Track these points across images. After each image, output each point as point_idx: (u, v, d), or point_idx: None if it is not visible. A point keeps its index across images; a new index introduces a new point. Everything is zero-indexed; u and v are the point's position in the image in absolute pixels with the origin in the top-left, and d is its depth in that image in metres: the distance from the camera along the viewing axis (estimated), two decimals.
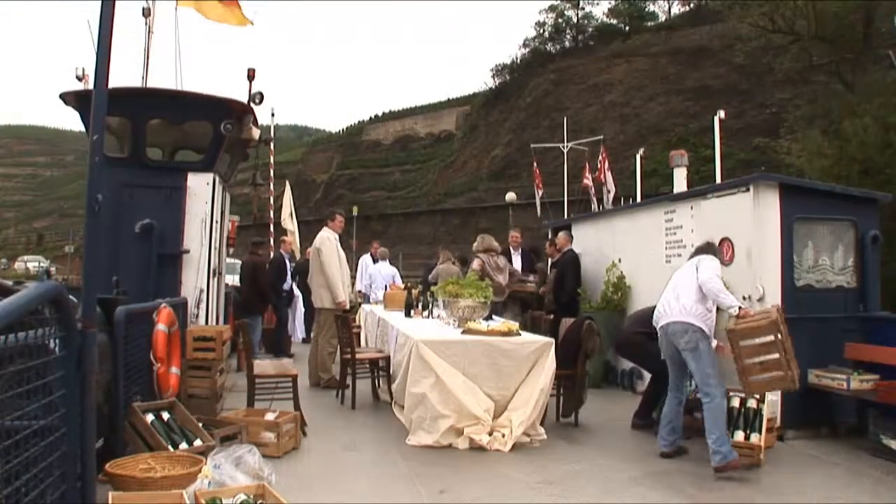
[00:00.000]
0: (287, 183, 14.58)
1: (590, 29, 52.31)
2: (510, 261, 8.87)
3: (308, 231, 10.16)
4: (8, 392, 1.90)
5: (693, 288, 4.77)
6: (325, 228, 7.96)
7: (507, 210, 29.99)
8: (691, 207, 6.67)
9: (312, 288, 7.90)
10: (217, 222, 6.94)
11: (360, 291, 11.93)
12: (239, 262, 11.67)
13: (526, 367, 5.27)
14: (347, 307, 7.73)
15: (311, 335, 8.63)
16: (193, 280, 6.58)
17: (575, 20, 52.64)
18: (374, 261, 11.96)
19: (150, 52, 8.53)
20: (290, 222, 12.94)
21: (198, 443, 4.21)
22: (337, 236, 7.94)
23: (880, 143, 12.65)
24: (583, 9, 52.23)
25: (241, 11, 7.84)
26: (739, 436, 4.76)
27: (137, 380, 4.54)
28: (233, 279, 10.50)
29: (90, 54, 7.70)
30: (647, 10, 51.69)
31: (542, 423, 5.29)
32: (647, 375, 6.68)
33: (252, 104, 7.39)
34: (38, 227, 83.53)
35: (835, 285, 5.89)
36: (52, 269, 35.72)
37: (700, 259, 4.93)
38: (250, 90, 7.70)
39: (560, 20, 52.63)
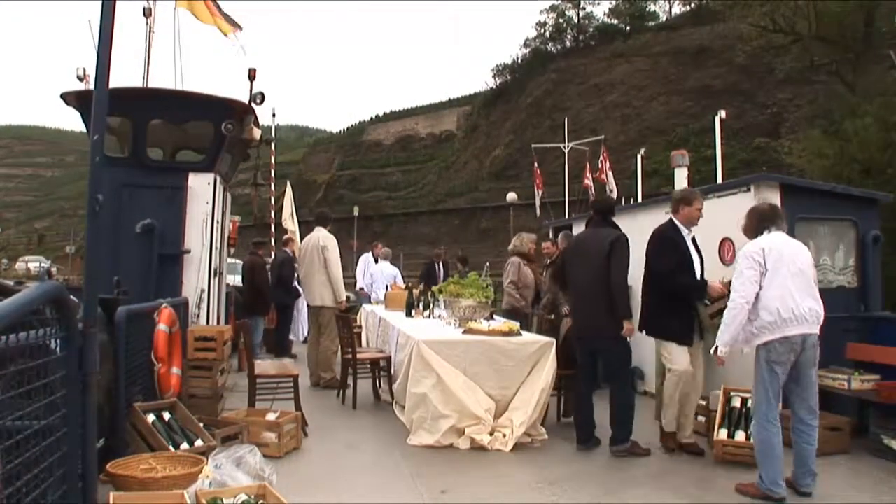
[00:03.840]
0: (288, 183, 14.54)
1: (590, 29, 52.13)
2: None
3: (308, 231, 10.11)
4: (9, 392, 1.90)
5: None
6: (320, 229, 8.00)
7: (508, 210, 29.94)
8: None
9: (311, 286, 7.89)
10: (218, 222, 6.95)
11: (361, 289, 11.98)
12: (240, 262, 11.69)
13: (527, 367, 5.28)
14: (345, 307, 7.78)
15: (310, 335, 8.63)
16: (194, 280, 6.59)
17: (576, 20, 52.51)
18: (376, 260, 11.99)
19: (151, 52, 8.55)
20: (291, 222, 12.93)
21: (199, 443, 4.22)
22: None
23: (881, 143, 12.65)
24: (583, 9, 52.14)
25: (224, 21, 7.84)
26: (740, 436, 4.76)
27: (138, 380, 4.55)
28: (234, 279, 10.51)
29: (91, 54, 7.71)
30: (647, 10, 51.58)
31: (542, 423, 5.30)
32: (649, 375, 6.66)
33: (253, 104, 7.39)
34: (38, 228, 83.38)
35: (836, 285, 5.90)
36: (53, 269, 35.57)
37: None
38: (251, 90, 7.68)
39: (561, 20, 52.48)
